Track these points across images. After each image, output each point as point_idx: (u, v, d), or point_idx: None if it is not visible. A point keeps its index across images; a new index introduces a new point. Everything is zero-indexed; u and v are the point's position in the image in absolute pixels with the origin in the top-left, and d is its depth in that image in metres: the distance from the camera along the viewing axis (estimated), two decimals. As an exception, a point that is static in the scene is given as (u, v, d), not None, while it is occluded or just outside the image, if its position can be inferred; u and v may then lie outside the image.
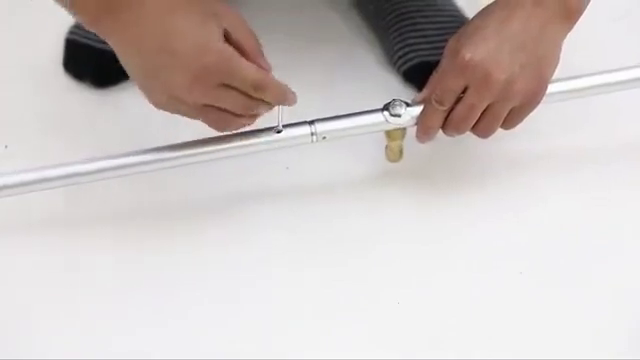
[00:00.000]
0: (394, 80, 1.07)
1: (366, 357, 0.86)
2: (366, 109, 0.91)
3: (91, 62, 1.09)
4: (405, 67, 1.07)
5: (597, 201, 0.97)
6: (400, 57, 1.07)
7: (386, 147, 0.94)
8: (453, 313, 0.89)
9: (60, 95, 1.09)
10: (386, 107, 0.90)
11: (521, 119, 0.89)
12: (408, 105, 0.89)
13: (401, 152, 0.94)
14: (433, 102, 0.87)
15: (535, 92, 0.87)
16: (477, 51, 0.84)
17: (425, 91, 0.89)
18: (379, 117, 0.90)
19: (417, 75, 0.90)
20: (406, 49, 1.07)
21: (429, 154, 1.00)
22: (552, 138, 1.02)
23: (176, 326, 0.88)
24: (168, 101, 0.83)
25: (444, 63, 0.87)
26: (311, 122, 0.89)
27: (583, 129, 1.03)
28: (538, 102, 0.88)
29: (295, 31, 1.13)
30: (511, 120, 0.88)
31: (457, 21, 1.06)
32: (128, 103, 1.07)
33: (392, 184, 0.99)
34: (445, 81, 0.86)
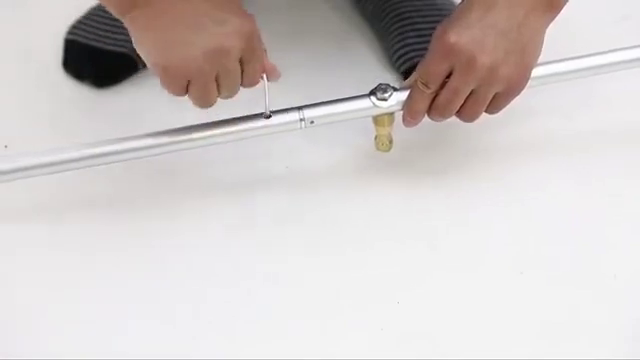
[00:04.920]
0: (394, 79, 1.07)
1: (366, 357, 0.86)
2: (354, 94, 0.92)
3: (91, 62, 1.10)
4: (404, 67, 1.07)
5: (598, 193, 0.97)
6: (400, 57, 1.07)
7: (375, 137, 0.94)
8: (453, 313, 0.88)
9: (60, 95, 1.09)
10: (373, 92, 0.91)
11: (504, 105, 0.90)
12: (395, 90, 0.91)
13: (391, 142, 0.95)
14: (419, 85, 0.88)
15: (519, 78, 0.88)
16: (462, 35, 0.85)
17: (412, 77, 0.90)
18: (366, 102, 0.91)
19: (416, 74, 0.91)
20: (406, 49, 1.07)
21: (426, 149, 1.01)
22: (549, 127, 1.03)
23: (174, 321, 0.88)
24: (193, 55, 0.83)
25: (431, 48, 0.88)
26: (299, 108, 0.90)
27: (582, 117, 1.04)
28: (522, 88, 0.89)
29: (295, 31, 1.13)
30: (495, 105, 0.89)
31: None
32: (128, 103, 1.07)
33: (392, 183, 0.99)
34: (431, 64, 0.87)
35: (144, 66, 1.09)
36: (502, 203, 0.97)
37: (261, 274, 0.92)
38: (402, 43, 1.08)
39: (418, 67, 0.89)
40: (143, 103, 1.06)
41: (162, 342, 0.87)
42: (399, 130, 0.95)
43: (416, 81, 0.89)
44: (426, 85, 0.88)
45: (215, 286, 0.91)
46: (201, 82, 0.84)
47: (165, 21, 0.83)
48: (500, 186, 0.98)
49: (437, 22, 1.06)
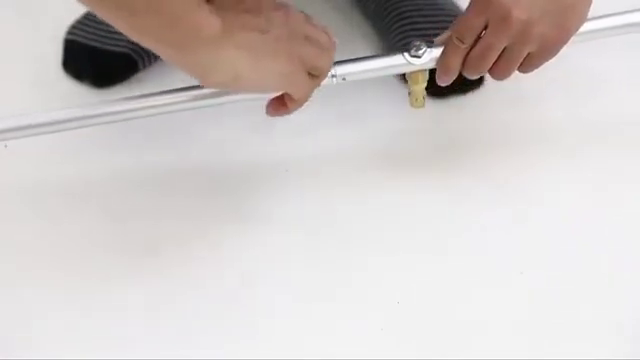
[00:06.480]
0: (394, 78, 1.07)
1: (366, 357, 0.86)
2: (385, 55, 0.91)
3: (91, 62, 1.10)
4: (405, 66, 1.07)
5: (599, 193, 0.97)
6: (400, 56, 1.07)
7: (409, 93, 0.94)
8: (453, 313, 0.88)
9: (60, 95, 1.09)
10: (407, 48, 0.90)
11: (537, 65, 0.89)
12: (429, 46, 0.90)
13: (424, 97, 0.94)
14: (454, 39, 0.87)
15: (554, 40, 0.87)
16: None
17: (447, 33, 0.89)
18: (399, 59, 0.90)
19: (417, 73, 0.91)
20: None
21: (426, 148, 1.01)
22: (557, 115, 1.03)
23: (175, 320, 0.89)
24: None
25: (468, 4, 0.87)
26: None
27: (590, 106, 1.04)
28: (556, 51, 0.88)
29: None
30: (527, 64, 0.89)
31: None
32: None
33: (392, 183, 0.99)
34: (466, 19, 0.87)
35: (144, 66, 1.10)
36: (502, 203, 0.97)
37: (261, 274, 0.92)
38: (403, 42, 1.08)
39: (453, 23, 0.89)
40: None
41: (162, 342, 0.87)
42: (398, 130, 0.95)
43: (450, 36, 0.88)
44: (461, 40, 0.87)
45: (215, 286, 0.91)
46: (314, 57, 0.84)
47: (251, 37, 0.79)
48: (501, 186, 0.98)
49: (438, 22, 1.07)
